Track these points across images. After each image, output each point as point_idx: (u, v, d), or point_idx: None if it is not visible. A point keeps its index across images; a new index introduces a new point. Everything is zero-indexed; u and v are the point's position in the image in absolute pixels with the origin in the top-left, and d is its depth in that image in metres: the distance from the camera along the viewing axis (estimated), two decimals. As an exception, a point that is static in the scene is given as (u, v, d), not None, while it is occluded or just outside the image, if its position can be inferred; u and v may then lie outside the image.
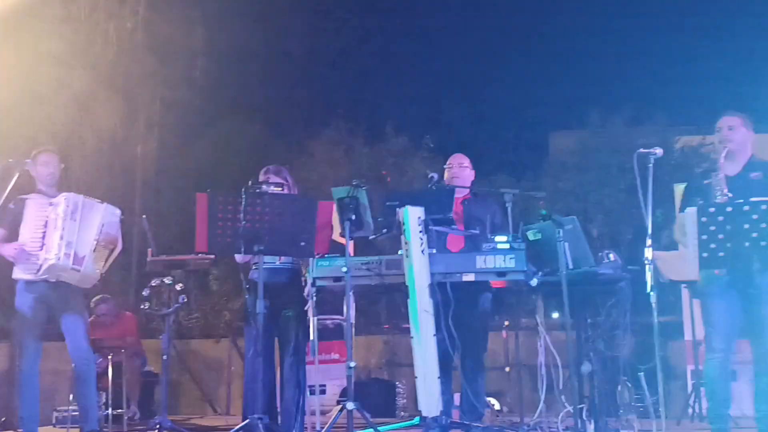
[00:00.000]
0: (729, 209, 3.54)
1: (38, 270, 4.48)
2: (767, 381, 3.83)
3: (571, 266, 3.92)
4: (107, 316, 7.00)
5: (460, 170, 5.00)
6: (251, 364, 4.26)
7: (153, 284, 4.77)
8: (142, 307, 4.82)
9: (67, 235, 4.50)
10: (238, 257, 4.34)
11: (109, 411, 5.84)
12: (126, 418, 5.93)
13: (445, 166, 5.05)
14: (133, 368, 6.81)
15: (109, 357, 5.89)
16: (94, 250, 4.59)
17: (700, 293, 4.09)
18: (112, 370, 5.85)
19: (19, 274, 4.55)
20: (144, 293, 4.77)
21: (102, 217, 4.65)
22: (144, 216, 5.04)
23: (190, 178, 11.01)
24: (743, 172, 3.99)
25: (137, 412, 6.75)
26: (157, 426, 4.33)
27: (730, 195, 3.80)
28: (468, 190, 4.93)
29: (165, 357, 4.67)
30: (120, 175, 10.81)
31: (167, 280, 4.73)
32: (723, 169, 3.91)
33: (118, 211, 4.77)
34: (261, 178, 4.42)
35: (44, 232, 4.52)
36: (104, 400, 6.09)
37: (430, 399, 3.97)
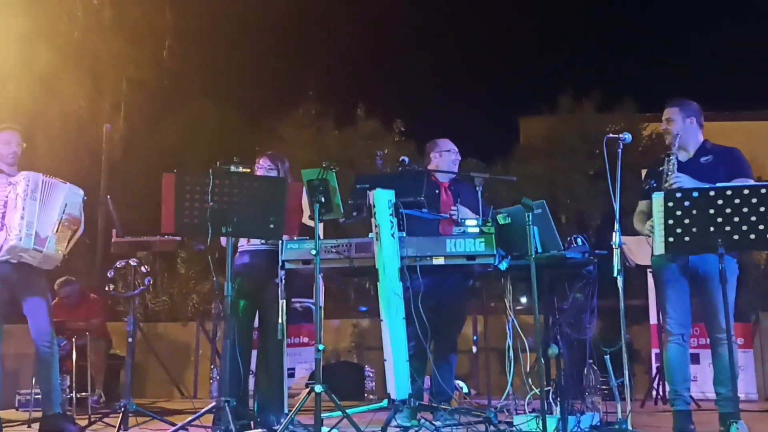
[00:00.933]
0: (695, 194, 3.59)
1: None
2: (722, 364, 3.92)
3: (540, 250, 3.94)
4: (71, 299, 6.90)
5: (457, 156, 5.01)
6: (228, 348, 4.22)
7: (118, 266, 4.70)
8: (107, 289, 4.75)
9: (27, 215, 4.40)
10: (223, 241, 4.29)
11: (74, 394, 5.75)
12: (90, 401, 5.84)
13: (442, 150, 4.99)
14: (98, 351, 6.72)
15: (74, 340, 5.80)
16: (57, 231, 4.49)
17: (654, 279, 4.20)
18: (76, 353, 5.76)
19: None
20: (109, 275, 4.70)
21: (65, 198, 4.55)
22: (109, 196, 4.95)
23: (157, 159, 10.85)
24: (694, 158, 4.17)
25: (102, 395, 6.67)
26: (122, 409, 4.28)
27: (680, 178, 3.93)
28: (450, 176, 4.92)
29: (130, 339, 4.61)
30: (85, 155, 10.60)
31: (133, 262, 4.66)
32: (677, 156, 4.07)
33: (81, 192, 4.67)
34: (258, 162, 4.42)
35: (4, 213, 4.41)
36: (68, 384, 6.01)
37: (398, 382, 3.97)
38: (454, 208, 4.74)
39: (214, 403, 3.86)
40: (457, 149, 5.05)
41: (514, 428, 3.98)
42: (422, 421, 4.24)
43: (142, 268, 4.64)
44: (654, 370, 6.80)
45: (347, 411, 3.87)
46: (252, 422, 4.20)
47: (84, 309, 6.92)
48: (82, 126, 10.66)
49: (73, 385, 5.85)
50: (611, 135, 4.06)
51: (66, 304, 6.87)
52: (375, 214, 4.06)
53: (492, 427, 4.02)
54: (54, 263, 4.56)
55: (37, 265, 4.48)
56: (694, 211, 3.57)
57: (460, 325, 4.98)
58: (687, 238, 3.61)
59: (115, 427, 4.10)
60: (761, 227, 3.50)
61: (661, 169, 4.16)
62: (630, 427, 3.62)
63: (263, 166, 4.56)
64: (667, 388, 6.09)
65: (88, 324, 6.19)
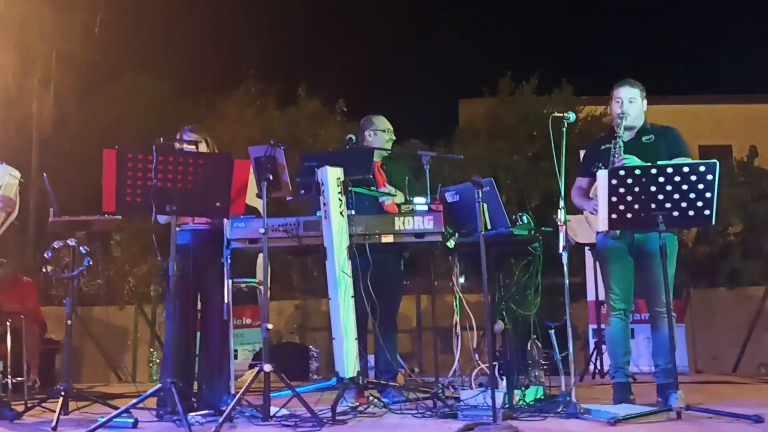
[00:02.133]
0: (637, 172, 3.68)
1: None
2: (662, 337, 4.07)
3: (488, 227, 3.99)
4: (4, 281, 6.62)
5: (392, 136, 4.99)
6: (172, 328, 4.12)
7: (56, 246, 4.52)
8: (43, 270, 4.57)
9: None
10: (162, 218, 4.17)
11: (8, 379, 5.54)
12: (27, 386, 5.64)
13: (377, 129, 4.96)
14: (33, 335, 6.48)
15: (8, 323, 5.57)
16: None
17: (598, 256, 4.33)
18: (10, 336, 5.54)
19: None
20: (46, 256, 4.51)
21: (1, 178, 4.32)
22: (45, 174, 4.74)
23: (91, 135, 10.48)
24: (636, 137, 4.29)
25: (37, 380, 6.45)
26: (62, 393, 4.14)
27: (626, 159, 4.05)
28: (382, 155, 4.92)
29: (69, 322, 4.45)
30: (14, 132, 10.14)
31: (71, 242, 4.49)
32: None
33: (17, 173, 4.43)
34: (177, 136, 4.25)
35: None
36: (2, 368, 5.77)
37: (347, 360, 3.97)
38: (387, 187, 4.75)
39: (159, 386, 3.78)
40: (392, 128, 5.03)
41: (461, 403, 4.04)
42: (371, 398, 4.26)
43: (81, 249, 4.47)
44: (592, 346, 7.00)
45: (296, 390, 3.85)
46: (197, 404, 4.13)
47: (17, 292, 6.65)
48: (9, 101, 10.18)
49: (8, 370, 5.63)
50: (556, 113, 4.12)
51: (-2, 287, 6.60)
52: (323, 192, 4.02)
53: (440, 403, 4.06)
54: None
55: None
56: (637, 189, 3.66)
57: (398, 302, 4.99)
58: (629, 215, 3.70)
59: (54, 411, 3.96)
60: (699, 204, 3.62)
61: (604, 148, 4.27)
62: (574, 400, 3.71)
63: (192, 140, 4.37)
64: (605, 363, 6.35)
65: (23, 306, 5.97)
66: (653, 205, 3.65)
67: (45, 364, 6.87)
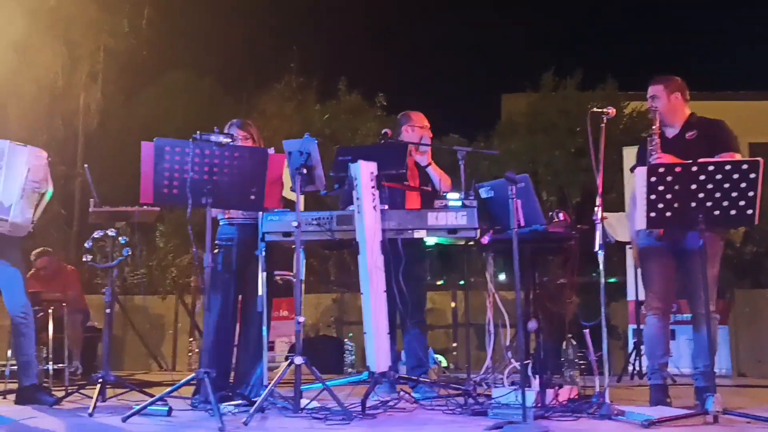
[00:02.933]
0: (678, 169, 3.59)
1: None
2: (702, 338, 3.96)
3: (522, 224, 3.94)
4: (48, 270, 6.81)
5: (429, 133, 4.96)
6: (210, 321, 4.19)
7: (96, 236, 4.62)
8: (84, 260, 4.67)
9: None
10: (215, 212, 4.24)
11: (51, 366, 5.70)
12: (68, 372, 5.79)
13: (414, 125, 4.91)
14: (75, 323, 6.66)
15: (50, 311, 5.72)
16: (22, 197, 4.36)
17: (639, 254, 4.22)
18: (53, 324, 5.69)
19: None
20: (87, 245, 4.62)
21: (26, 162, 4.39)
22: (86, 165, 4.84)
23: (134, 130, 10.70)
24: (680, 133, 4.17)
25: (80, 367, 6.63)
26: (100, 380, 4.23)
27: (662, 157, 3.96)
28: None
29: (108, 311, 4.55)
30: (60, 125, 10.41)
31: (111, 233, 4.58)
32: (664, 133, 4.09)
33: (43, 154, 4.51)
34: (225, 130, 4.31)
35: None
36: (45, 355, 5.94)
37: (379, 354, 3.97)
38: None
39: (193, 375, 3.84)
40: (429, 125, 4.98)
41: (492, 401, 4.00)
42: (402, 393, 4.25)
43: (121, 239, 4.56)
44: (631, 346, 6.87)
45: (326, 383, 3.87)
46: (231, 394, 4.19)
47: (60, 280, 6.84)
48: (57, 95, 10.46)
49: (50, 356, 5.79)
50: (595, 109, 4.04)
51: (42, 275, 6.78)
52: (356, 186, 4.02)
53: (471, 400, 4.04)
54: (24, 231, 4.43)
55: (8, 233, 4.38)
56: (677, 186, 3.57)
57: (424, 298, 4.97)
58: (668, 214, 3.61)
59: (92, 398, 4.06)
60: (741, 203, 3.51)
61: (650, 148, 4.17)
62: (608, 401, 3.64)
63: (237, 137, 4.45)
64: (644, 364, 6.22)
65: (65, 295, 6.12)
66: (693, 204, 3.55)
67: (88, 351, 7.04)
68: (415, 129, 4.91)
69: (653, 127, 4.10)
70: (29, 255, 6.67)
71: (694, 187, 3.53)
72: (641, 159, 4.20)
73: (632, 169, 4.25)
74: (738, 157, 3.92)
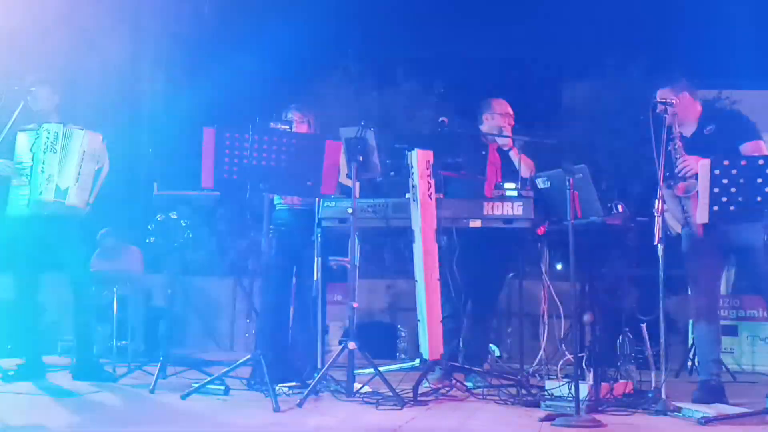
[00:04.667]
0: (743, 162, 3.48)
1: (27, 206, 4.48)
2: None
3: (579, 215, 3.88)
4: (113, 249, 7.03)
5: (512, 120, 4.85)
6: (266, 303, 4.29)
7: (159, 219, 4.77)
8: (147, 240, 4.83)
9: (47, 168, 4.46)
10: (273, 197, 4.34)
11: (114, 342, 5.91)
12: (131, 350, 6.00)
13: (495, 113, 4.81)
14: (138, 302, 6.87)
15: (114, 290, 5.93)
16: (78, 180, 4.51)
17: (685, 248, 4.18)
18: (117, 302, 5.90)
19: (11, 211, 4.54)
20: (150, 227, 4.77)
21: (81, 145, 4.54)
22: (150, 149, 4.99)
23: (197, 113, 10.92)
24: (698, 130, 4.17)
25: (142, 344, 6.84)
26: (161, 358, 4.38)
27: (688, 162, 3.93)
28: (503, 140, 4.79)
29: (170, 291, 4.70)
30: (126, 108, 10.70)
31: (173, 215, 4.72)
32: (681, 133, 4.08)
33: (99, 136, 4.66)
34: (286, 116, 4.40)
35: (31, 167, 4.49)
36: (109, 332, 6.17)
37: (431, 342, 3.99)
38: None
39: (249, 356, 3.94)
40: (512, 113, 4.88)
41: (545, 393, 3.98)
42: (454, 381, 4.27)
43: (182, 222, 4.70)
44: (690, 341, 6.71)
45: (378, 368, 3.91)
46: (286, 375, 4.28)
47: (124, 260, 7.05)
48: (123, 79, 10.74)
49: (114, 333, 6.00)
50: (659, 100, 3.95)
51: (107, 254, 7.01)
52: (412, 174, 4.04)
53: (523, 391, 4.02)
54: (80, 213, 4.58)
55: (68, 214, 4.54)
56: (741, 180, 3.46)
57: (498, 289, 4.93)
58: (732, 207, 3.51)
59: (153, 375, 4.21)
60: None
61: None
62: (664, 396, 3.58)
63: (294, 119, 4.51)
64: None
65: (129, 274, 6.32)
66: (759, 198, 3.44)
67: (150, 329, 7.25)
68: (496, 117, 4.82)
69: (673, 132, 4.04)
70: (95, 235, 6.91)
71: (759, 180, 3.43)
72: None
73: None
74: (763, 144, 3.97)
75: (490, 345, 6.09)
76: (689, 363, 6.41)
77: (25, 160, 4.50)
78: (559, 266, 6.89)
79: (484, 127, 4.78)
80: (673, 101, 4.09)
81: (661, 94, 4.18)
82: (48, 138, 4.48)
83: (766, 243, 3.52)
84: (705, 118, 4.16)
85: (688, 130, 4.15)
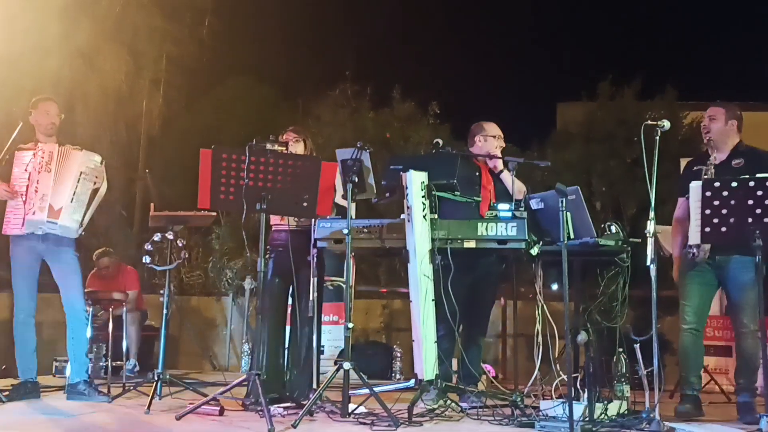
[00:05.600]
0: (734, 184, 3.53)
1: (22, 225, 4.49)
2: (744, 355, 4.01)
3: (572, 236, 3.92)
4: (108, 270, 7.05)
5: (502, 143, 4.89)
6: (261, 324, 4.30)
7: (155, 239, 4.79)
8: (143, 261, 4.84)
9: (41, 187, 4.47)
10: (274, 218, 4.35)
11: (109, 362, 5.90)
12: (125, 369, 5.99)
13: (487, 135, 4.84)
14: (134, 322, 6.87)
15: (110, 310, 5.94)
16: (72, 201, 4.50)
17: (680, 267, 4.25)
18: (112, 322, 5.90)
19: (8, 230, 4.56)
20: (146, 247, 4.79)
21: (78, 166, 4.54)
22: (147, 170, 5.03)
23: (194, 135, 10.99)
24: (726, 160, 4.22)
25: (137, 364, 6.83)
26: (156, 378, 4.38)
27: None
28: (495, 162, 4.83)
29: (165, 311, 4.71)
30: (124, 130, 10.77)
31: (169, 236, 4.74)
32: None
33: (97, 157, 4.65)
34: (282, 137, 4.45)
35: (27, 186, 4.51)
36: (104, 352, 6.16)
37: (426, 362, 4.00)
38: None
39: (245, 376, 3.94)
40: (502, 135, 4.93)
41: (540, 413, 3.99)
42: (448, 402, 4.27)
43: (179, 242, 4.72)
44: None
45: (374, 389, 3.92)
46: (281, 396, 4.28)
47: (120, 280, 7.06)
48: (121, 101, 10.83)
49: (109, 353, 6.00)
50: (649, 122, 4.00)
51: (103, 274, 7.02)
52: (407, 195, 4.07)
53: (518, 411, 4.03)
54: (73, 233, 4.56)
55: (61, 234, 4.56)
56: (732, 201, 3.51)
57: (489, 309, 4.97)
58: (723, 229, 3.56)
59: (148, 395, 4.20)
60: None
61: (696, 168, 4.25)
62: (657, 417, 3.59)
63: (290, 139, 4.59)
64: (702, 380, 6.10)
65: (125, 295, 6.33)
66: (750, 219, 3.49)
67: (145, 349, 7.25)
68: (488, 139, 4.88)
69: (710, 158, 4.15)
70: (91, 254, 6.92)
71: (750, 202, 3.47)
72: (687, 180, 4.17)
73: (681, 190, 4.30)
74: None
75: (486, 365, 6.10)
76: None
77: (21, 180, 4.52)
78: (554, 287, 6.91)
79: (476, 149, 4.83)
80: (718, 124, 4.14)
81: (713, 111, 4.22)
82: (43, 158, 4.50)
83: (758, 265, 3.56)
84: (737, 152, 4.21)
85: (718, 158, 4.20)
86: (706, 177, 4.03)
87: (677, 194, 4.47)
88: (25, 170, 4.51)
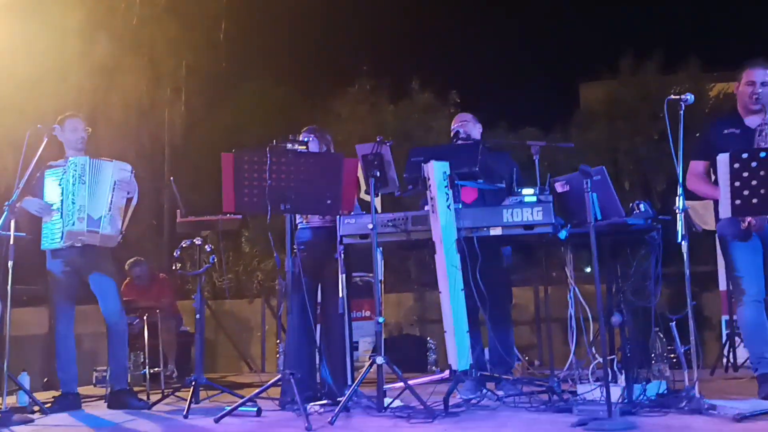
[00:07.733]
0: (762, 155, 3.44)
1: (61, 238, 4.56)
2: None
3: (599, 217, 3.87)
4: (142, 279, 7.14)
5: (466, 127, 4.85)
6: (293, 323, 4.33)
7: (183, 245, 4.83)
8: (174, 268, 4.89)
9: (78, 199, 4.54)
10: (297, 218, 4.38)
11: (147, 370, 5.98)
12: (164, 376, 6.07)
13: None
14: (169, 328, 6.95)
15: (145, 318, 6.01)
16: (110, 210, 4.60)
17: (720, 242, 4.11)
18: (148, 330, 5.98)
19: (45, 245, 4.63)
20: (175, 254, 4.83)
21: (112, 175, 4.63)
22: (172, 178, 5.08)
23: (217, 140, 11.07)
24: (762, 123, 4.07)
25: (175, 370, 6.91)
26: (193, 383, 4.43)
27: None
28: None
29: (198, 316, 4.75)
30: (148, 140, 10.89)
31: (197, 241, 4.78)
32: (744, 122, 4.03)
33: (128, 167, 4.74)
34: (301, 136, 4.46)
35: (62, 200, 4.58)
36: (142, 360, 6.25)
37: (459, 353, 3.98)
38: None
39: (279, 376, 3.96)
40: (464, 120, 4.84)
41: (577, 397, 3.95)
42: (485, 391, 4.25)
43: (207, 247, 4.76)
44: (724, 337, 6.61)
45: (408, 382, 3.91)
46: (317, 394, 4.30)
47: (154, 288, 7.15)
48: (143, 112, 10.95)
49: (146, 361, 6.08)
50: (672, 96, 3.92)
51: (137, 284, 7.12)
52: (430, 186, 4.05)
53: (555, 397, 4.00)
54: (113, 242, 4.65)
55: (99, 244, 4.63)
56: (762, 172, 3.42)
57: (504, 288, 4.90)
58: (755, 200, 3.47)
59: (186, 400, 4.25)
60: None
61: (727, 132, 4.10)
62: (698, 395, 3.53)
63: (309, 140, 4.59)
64: (739, 355, 5.97)
65: (159, 303, 6.41)
66: (780, 189, 3.40)
67: (182, 355, 7.34)
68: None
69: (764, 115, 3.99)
70: (124, 265, 7.02)
71: (780, 171, 3.38)
72: (715, 143, 4.04)
73: (702, 154, 4.16)
74: None
75: (517, 352, 6.06)
76: (724, 360, 6.32)
77: (55, 199, 4.59)
78: (587, 269, 6.85)
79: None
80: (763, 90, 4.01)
81: (761, 75, 4.06)
82: (75, 171, 4.57)
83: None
84: None
85: (754, 122, 4.07)
86: (760, 139, 3.90)
87: (692, 156, 4.20)
88: (59, 185, 4.59)
